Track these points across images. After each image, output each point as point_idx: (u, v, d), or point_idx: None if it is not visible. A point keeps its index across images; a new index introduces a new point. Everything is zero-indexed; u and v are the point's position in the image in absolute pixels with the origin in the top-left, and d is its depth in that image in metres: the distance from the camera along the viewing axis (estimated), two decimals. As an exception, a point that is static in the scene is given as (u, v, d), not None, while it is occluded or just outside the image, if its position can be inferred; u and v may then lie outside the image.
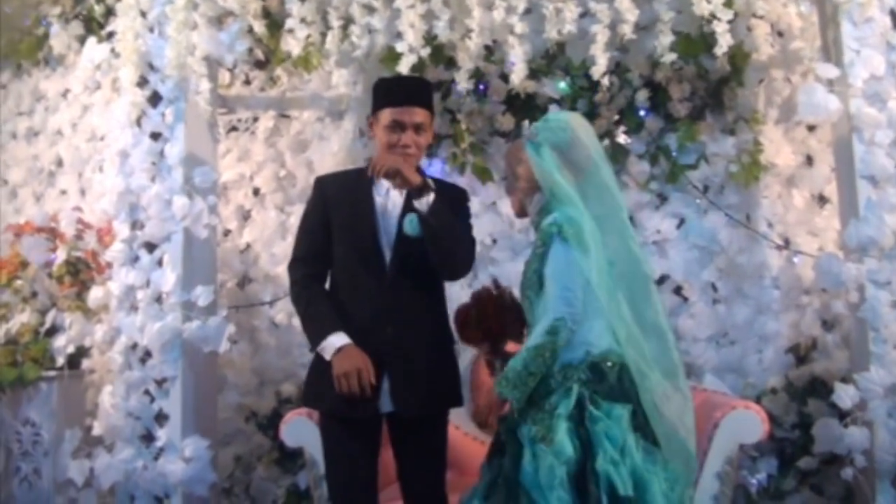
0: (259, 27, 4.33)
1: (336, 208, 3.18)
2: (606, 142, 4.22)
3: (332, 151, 4.65)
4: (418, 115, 3.12)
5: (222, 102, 4.68)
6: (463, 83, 4.01)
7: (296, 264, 3.20)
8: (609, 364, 2.93)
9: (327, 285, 3.19)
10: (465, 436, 4.08)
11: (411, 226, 3.09)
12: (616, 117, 4.27)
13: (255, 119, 5.05)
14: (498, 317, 3.17)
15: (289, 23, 4.23)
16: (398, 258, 3.11)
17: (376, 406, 3.07)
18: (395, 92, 3.17)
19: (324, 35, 4.21)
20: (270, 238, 4.87)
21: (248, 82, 4.95)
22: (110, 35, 4.97)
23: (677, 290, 4.47)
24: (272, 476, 4.42)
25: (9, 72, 5.63)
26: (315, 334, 3.09)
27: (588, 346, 2.94)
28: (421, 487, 3.16)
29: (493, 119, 4.27)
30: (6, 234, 4.82)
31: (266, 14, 4.40)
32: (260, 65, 4.76)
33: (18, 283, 4.58)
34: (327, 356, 3.03)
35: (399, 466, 3.19)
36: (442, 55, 4.19)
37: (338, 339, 3.03)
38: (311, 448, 3.80)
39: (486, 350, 3.20)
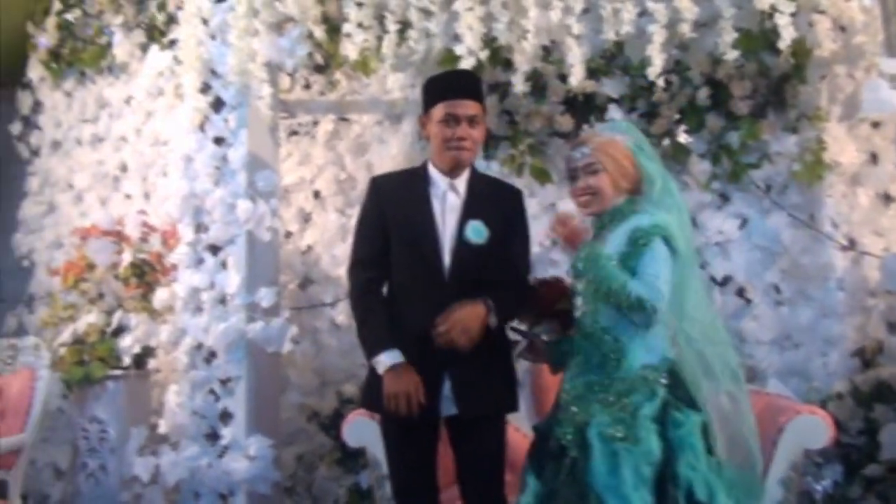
0: (318, 32, 4.39)
1: (392, 210, 3.15)
2: (667, 141, 4.18)
3: (391, 154, 4.68)
4: (471, 107, 3.11)
5: (283, 107, 4.74)
6: (520, 85, 4.02)
7: (355, 268, 3.18)
8: (679, 370, 2.93)
9: (386, 288, 3.17)
10: (525, 437, 4.07)
11: (475, 233, 3.09)
12: (677, 116, 4.22)
13: (316, 123, 5.10)
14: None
15: (347, 27, 4.28)
16: (458, 263, 3.09)
17: (437, 410, 3.07)
18: (446, 86, 3.16)
19: (381, 39, 4.25)
20: (331, 240, 4.92)
21: (307, 87, 5.00)
22: (172, 43, 5.06)
23: (740, 292, 4.41)
24: (334, 475, 4.46)
25: (73, 79, 5.75)
26: (369, 346, 3.09)
27: (664, 350, 2.93)
28: (479, 489, 3.15)
29: (551, 120, 4.26)
30: (73, 238, 4.93)
31: (325, 19, 4.45)
32: (319, 69, 4.80)
33: (85, 284, 4.68)
34: (379, 371, 3.04)
35: (458, 468, 3.19)
36: (499, 57, 4.19)
37: (390, 357, 3.02)
38: (372, 448, 3.81)
39: (555, 327, 3.20)
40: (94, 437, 4.50)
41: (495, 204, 3.16)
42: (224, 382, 4.33)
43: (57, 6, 5.66)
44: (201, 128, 4.50)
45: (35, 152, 5.93)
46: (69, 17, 5.63)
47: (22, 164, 5.96)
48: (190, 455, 4.27)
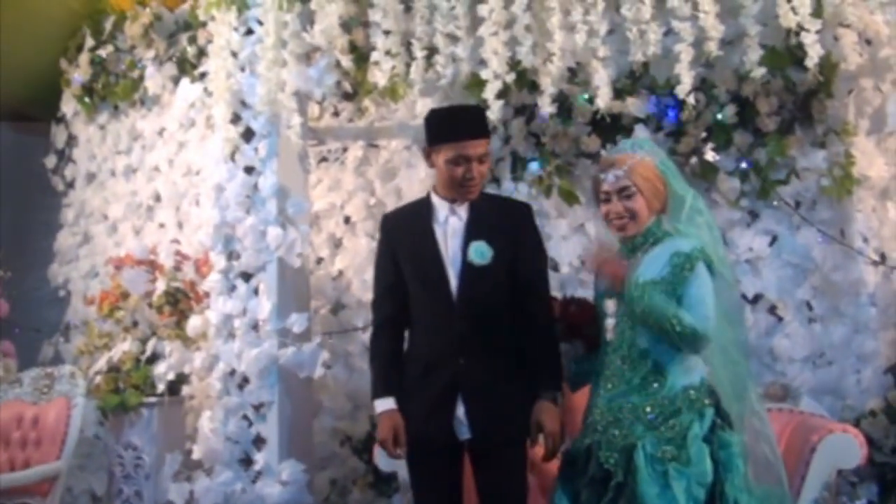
0: (346, 61, 4.45)
1: (401, 244, 3.20)
2: (694, 159, 4.19)
3: (420, 178, 4.71)
4: (480, 146, 3.11)
5: (312, 134, 4.80)
6: (546, 107, 4.05)
7: (374, 306, 3.28)
8: (715, 391, 2.95)
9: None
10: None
11: (477, 254, 3.10)
12: (703, 134, 4.22)
13: (345, 149, 5.15)
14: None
15: (374, 55, 4.33)
16: (465, 286, 3.10)
17: (451, 434, 3.08)
18: (455, 126, 3.14)
19: (408, 65, 4.30)
20: (362, 265, 4.95)
21: (336, 114, 5.06)
22: (203, 75, 5.15)
23: (771, 310, 4.38)
24: (367, 499, 4.47)
25: (107, 113, 5.85)
26: (373, 388, 3.20)
27: (701, 371, 2.95)
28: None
29: (578, 141, 4.28)
30: (108, 267, 5.00)
31: (352, 48, 4.51)
32: (348, 97, 4.85)
33: (120, 313, 4.74)
34: (376, 411, 3.16)
35: (479, 495, 3.18)
36: (525, 79, 4.22)
37: (381, 404, 3.13)
38: (405, 472, 3.81)
39: (580, 347, 3.26)
40: (130, 463, 4.54)
41: (500, 223, 3.15)
42: (257, 408, 4.37)
43: (90, 43, 5.77)
44: (232, 157, 4.58)
45: (70, 185, 6.03)
46: (102, 53, 5.73)
47: (57, 197, 6.06)
48: (224, 480, 4.31)
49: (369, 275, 4.93)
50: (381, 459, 3.88)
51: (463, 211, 3.15)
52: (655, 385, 2.92)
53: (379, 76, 4.35)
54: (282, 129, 4.47)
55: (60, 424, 4.47)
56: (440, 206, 3.17)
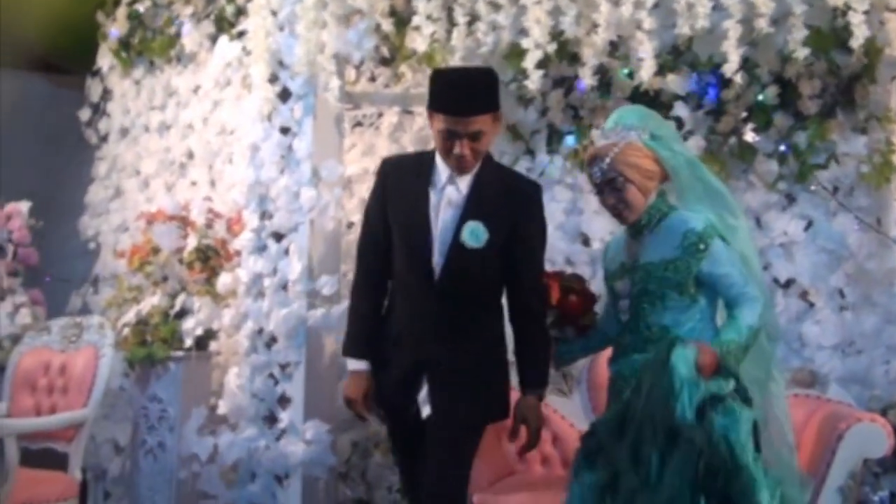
0: (386, 25, 4.43)
1: (393, 197, 3.03)
2: (733, 139, 4.15)
3: (454, 147, 4.69)
4: (475, 123, 2.88)
5: (348, 98, 4.78)
6: (588, 79, 4.02)
7: (358, 255, 3.15)
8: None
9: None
10: (571, 427, 4.05)
11: (472, 236, 2.94)
12: (744, 114, 4.18)
13: (380, 115, 5.13)
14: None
15: (415, 20, 4.33)
16: (450, 266, 2.95)
17: (411, 409, 3.03)
18: (450, 99, 2.89)
19: (449, 32, 4.28)
20: (393, 230, 4.95)
21: (373, 79, 5.04)
22: (241, 34, 5.14)
23: (803, 295, 4.35)
24: (388, 463, 4.48)
25: (142, 68, 5.85)
26: (345, 344, 3.16)
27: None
28: (431, 484, 3.02)
29: (616, 115, 4.25)
30: (139, 222, 5.02)
31: (393, 12, 4.50)
32: (385, 62, 4.84)
33: (150, 267, 4.76)
34: (348, 368, 3.14)
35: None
36: (566, 50, 4.19)
37: (353, 364, 3.11)
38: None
39: (570, 333, 3.23)
40: (154, 415, 4.58)
41: (502, 203, 2.98)
42: (283, 367, 4.39)
43: (128, -4, 5.77)
44: (268, 117, 4.57)
45: (103, 138, 6.04)
46: (139, 7, 5.73)
47: (90, 150, 6.07)
48: (248, 436, 4.35)
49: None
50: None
51: (464, 183, 2.97)
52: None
53: (419, 41, 4.34)
54: (319, 92, 4.47)
55: (87, 373, 4.51)
56: (441, 170, 2.99)
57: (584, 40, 4.00)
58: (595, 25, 3.95)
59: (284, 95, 4.57)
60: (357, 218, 5.06)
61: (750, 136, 4.20)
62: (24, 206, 5.39)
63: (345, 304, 4.37)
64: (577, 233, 4.41)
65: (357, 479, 4.58)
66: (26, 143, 6.07)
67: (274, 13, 4.59)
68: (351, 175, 5.01)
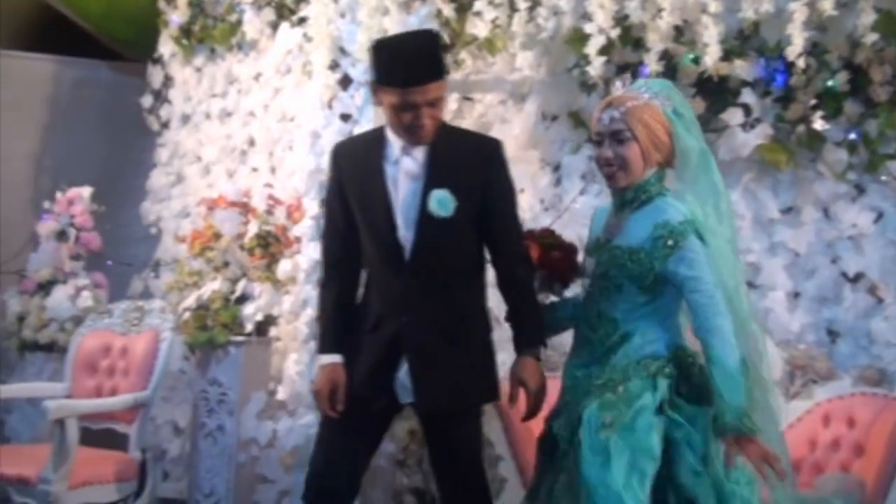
0: (447, 10, 4.41)
1: (349, 181, 2.91)
2: (802, 127, 4.05)
3: (514, 134, 4.65)
4: (432, 91, 2.74)
5: (408, 84, 4.76)
6: (653, 65, 3.96)
7: (323, 249, 3.07)
8: (690, 360, 2.71)
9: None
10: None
11: (440, 204, 2.81)
12: (813, 101, 4.08)
13: (440, 101, 5.11)
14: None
15: (476, 5, 4.31)
16: (421, 241, 2.83)
17: (387, 396, 2.93)
18: (400, 69, 2.73)
19: (510, 17, 4.25)
20: (451, 217, 4.93)
21: (433, 65, 5.02)
22: (302, 20, 5.15)
23: (871, 290, 4.22)
24: (445, 452, 4.47)
25: (203, 56, 5.89)
26: (318, 343, 3.06)
27: (668, 339, 2.72)
28: (457, 485, 3.00)
29: (682, 102, 4.17)
30: (200, 208, 5.06)
31: (453, -3, 4.48)
32: (445, 48, 4.80)
33: (211, 253, 4.79)
34: (316, 367, 3.02)
35: (433, 461, 3.07)
36: (630, 36, 4.13)
37: (325, 359, 2.96)
38: (484, 429, 3.81)
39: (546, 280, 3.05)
40: (214, 398, 4.61)
41: (464, 167, 2.84)
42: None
43: (189, -16, 5.81)
44: (329, 105, 4.58)
45: (165, 125, 6.10)
46: (201, -5, 5.77)
47: (152, 136, 6.14)
48: (306, 422, 4.36)
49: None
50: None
51: (419, 152, 2.84)
52: (614, 352, 2.70)
53: (479, 27, 4.31)
54: (380, 78, 4.46)
55: (148, 356, 4.56)
56: (394, 143, 2.85)
57: (649, 25, 3.93)
58: (660, 9, 3.89)
59: (345, 82, 4.58)
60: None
61: (819, 123, 4.09)
62: (86, 191, 5.48)
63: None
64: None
65: (414, 468, 4.56)
66: (89, 131, 6.15)
67: (335, 0, 4.59)
68: (410, 162, 4.99)
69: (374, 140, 2.93)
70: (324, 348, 3.00)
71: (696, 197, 2.73)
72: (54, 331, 5.22)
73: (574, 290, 3.12)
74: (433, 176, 2.83)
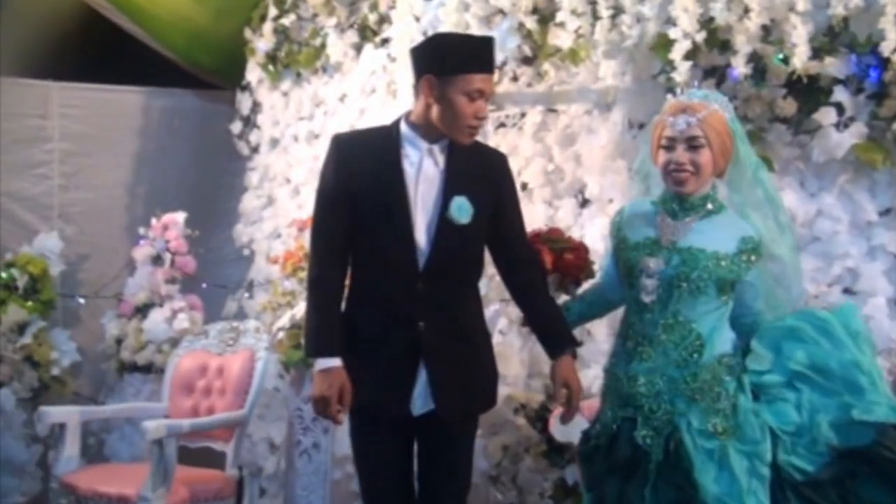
0: (529, 23, 4.41)
1: (360, 176, 2.81)
2: (896, 126, 3.93)
3: (601, 144, 4.61)
4: (493, 82, 2.92)
5: (491, 100, 4.76)
6: (741, 67, 3.89)
7: (315, 245, 2.90)
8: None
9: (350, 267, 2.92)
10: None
11: (460, 211, 2.80)
12: (909, 97, 3.95)
13: (523, 114, 5.08)
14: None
15: (559, 16, 4.29)
16: (439, 245, 2.81)
17: (407, 407, 2.86)
18: (483, 55, 2.81)
19: (592, 26, 4.22)
20: (539, 231, 4.90)
21: (515, 79, 5.01)
22: (385, 41, 5.21)
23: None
24: (539, 468, 4.42)
25: (289, 80, 6.00)
26: (312, 347, 2.87)
27: (734, 338, 2.83)
28: (443, 494, 2.97)
29: (772, 104, 4.06)
30: (291, 229, 5.13)
31: (535, 9, 4.47)
32: (527, 61, 4.81)
33: (303, 273, 4.84)
34: (315, 370, 2.85)
35: (421, 467, 2.99)
36: (716, 39, 4.06)
37: (324, 362, 2.81)
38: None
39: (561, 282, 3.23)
40: (309, 416, 4.63)
41: (480, 175, 2.87)
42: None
43: (273, 12, 5.93)
44: (414, 124, 4.59)
45: (255, 149, 6.22)
46: (285, 21, 5.88)
47: (242, 161, 6.27)
48: (400, 438, 4.35)
49: (547, 241, 4.91)
50: (557, 430, 3.81)
51: (440, 156, 2.83)
52: (695, 355, 2.73)
53: (563, 37, 4.29)
54: (462, 94, 4.47)
55: (244, 375, 4.63)
56: (414, 143, 2.82)
57: (735, 26, 3.86)
58: (747, 10, 3.81)
59: (429, 100, 4.59)
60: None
61: (914, 120, 3.96)
62: (180, 216, 5.61)
63: (493, 307, 4.37)
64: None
65: (508, 484, 4.53)
66: (181, 158, 6.30)
67: (417, 18, 4.64)
68: (495, 176, 4.99)
69: (388, 137, 2.87)
70: (322, 351, 2.84)
71: (755, 210, 2.84)
72: (152, 352, 5.35)
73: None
74: (452, 181, 2.82)
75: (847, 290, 4.06)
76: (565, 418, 3.06)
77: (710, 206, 2.82)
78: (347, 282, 2.95)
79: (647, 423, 2.73)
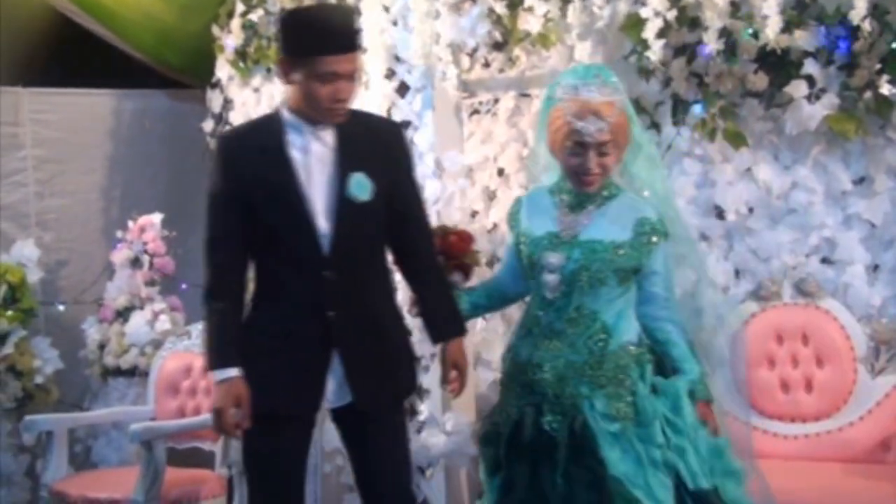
0: (499, 8, 4.41)
1: (247, 175, 2.73)
2: (869, 94, 3.95)
3: (575, 126, 4.62)
4: (353, 60, 2.68)
5: (464, 87, 4.77)
6: (712, 43, 3.90)
7: (209, 251, 2.82)
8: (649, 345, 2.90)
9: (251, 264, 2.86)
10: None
11: (360, 189, 2.72)
12: (878, 66, 3.97)
13: (496, 101, 5.09)
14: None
15: (528, 1, 4.27)
16: (343, 226, 2.72)
17: (317, 401, 2.81)
18: (331, 36, 2.63)
19: (562, 10, 4.23)
20: (517, 216, 4.91)
21: (487, 65, 5.00)
22: (355, 32, 5.16)
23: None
24: (529, 451, 4.45)
25: (260, 76, 5.94)
26: (209, 358, 2.80)
27: (637, 327, 2.88)
28: (390, 491, 2.92)
29: (744, 80, 4.08)
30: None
31: (504, -5, 4.46)
32: (498, 46, 4.80)
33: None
34: (213, 381, 2.79)
35: (360, 469, 2.95)
36: (686, 16, 4.07)
37: (221, 374, 2.75)
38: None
39: (459, 279, 3.31)
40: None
41: (373, 148, 2.78)
42: (419, 359, 4.38)
43: (240, 8, 5.87)
44: (388, 113, 4.59)
45: (227, 147, 6.17)
46: (253, 17, 5.82)
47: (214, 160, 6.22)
48: (391, 431, 4.36)
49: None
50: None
51: (328, 135, 2.74)
52: (600, 344, 2.77)
53: (532, 22, 4.30)
54: (436, 83, 4.48)
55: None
56: (297, 129, 2.73)
57: (706, 3, 3.88)
58: (717, -15, 3.83)
59: (402, 90, 4.58)
60: (480, 206, 5.04)
61: (886, 88, 3.98)
62: (156, 217, 5.57)
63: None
64: (711, 206, 4.25)
65: (499, 468, 4.56)
66: (155, 158, 6.25)
67: (386, 9, 4.61)
68: (471, 164, 4.99)
69: (270, 127, 2.77)
70: (218, 363, 2.76)
71: (645, 184, 2.89)
72: (135, 356, 5.32)
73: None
74: (346, 158, 2.74)
75: (825, 260, 4.11)
76: (455, 395, 3.17)
77: (605, 192, 2.84)
78: (252, 283, 2.88)
79: (552, 409, 2.77)
